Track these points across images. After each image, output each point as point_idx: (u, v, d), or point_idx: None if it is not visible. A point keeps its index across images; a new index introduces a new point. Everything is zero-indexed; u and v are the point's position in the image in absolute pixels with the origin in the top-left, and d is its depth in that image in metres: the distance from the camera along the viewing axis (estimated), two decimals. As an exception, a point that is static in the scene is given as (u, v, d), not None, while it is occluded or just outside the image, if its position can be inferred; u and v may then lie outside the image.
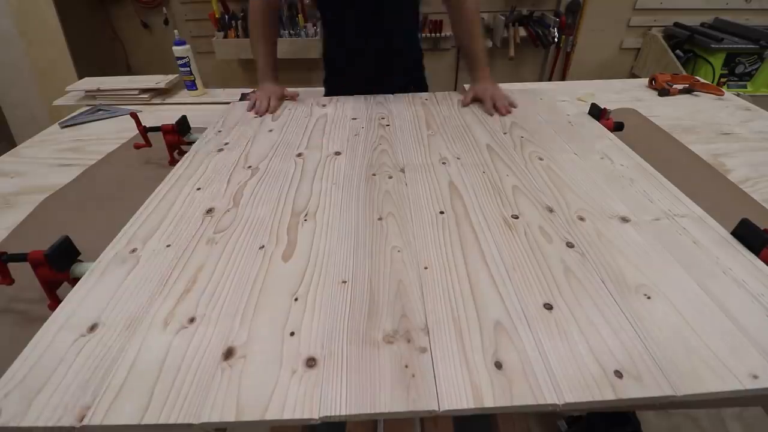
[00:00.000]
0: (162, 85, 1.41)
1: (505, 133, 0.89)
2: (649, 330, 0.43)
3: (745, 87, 2.17)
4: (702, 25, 2.37)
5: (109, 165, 0.98)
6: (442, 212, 0.63)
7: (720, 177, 0.86)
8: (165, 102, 1.37)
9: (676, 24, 2.42)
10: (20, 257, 0.54)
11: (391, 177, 0.73)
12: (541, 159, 0.78)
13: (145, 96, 1.38)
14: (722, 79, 2.13)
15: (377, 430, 0.76)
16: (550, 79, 2.68)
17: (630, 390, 0.37)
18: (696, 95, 1.31)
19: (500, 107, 0.99)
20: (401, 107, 1.04)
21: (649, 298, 0.47)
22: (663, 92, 1.31)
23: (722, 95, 1.30)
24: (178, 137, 0.94)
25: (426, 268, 0.52)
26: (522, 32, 2.43)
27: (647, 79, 1.40)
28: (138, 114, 0.94)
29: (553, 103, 1.05)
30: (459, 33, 1.13)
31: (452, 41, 2.62)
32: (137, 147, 0.95)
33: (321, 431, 0.42)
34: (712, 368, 0.39)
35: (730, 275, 0.50)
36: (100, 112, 1.29)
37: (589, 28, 2.50)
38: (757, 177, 0.87)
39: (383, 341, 0.42)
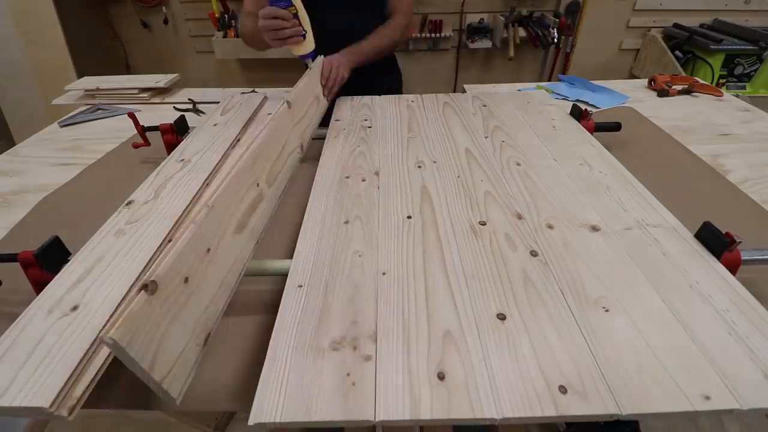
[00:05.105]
0: (161, 85, 1.41)
1: (486, 137, 0.88)
2: (603, 344, 0.42)
3: (744, 88, 2.14)
4: (701, 26, 2.35)
5: (108, 164, 0.98)
6: (409, 217, 0.62)
7: (719, 178, 0.85)
8: (164, 101, 1.38)
9: (675, 25, 2.39)
10: (10, 257, 0.55)
11: (364, 180, 0.73)
12: (518, 164, 0.77)
13: (145, 95, 1.38)
14: (721, 80, 2.10)
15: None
16: (549, 80, 2.66)
17: (572, 407, 0.36)
18: (695, 96, 1.29)
19: (324, 76, 1.01)
20: (386, 109, 1.03)
21: (607, 311, 0.46)
22: (662, 93, 1.29)
23: (721, 96, 1.28)
24: (176, 137, 0.94)
25: (384, 273, 0.51)
26: (521, 33, 2.41)
27: (646, 80, 1.38)
28: (137, 113, 0.94)
29: (539, 105, 1.04)
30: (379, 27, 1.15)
31: (452, 41, 2.61)
32: (135, 146, 0.95)
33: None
34: (663, 387, 0.38)
35: (696, 289, 0.49)
36: (99, 112, 1.29)
37: (588, 29, 2.48)
38: (756, 178, 0.86)
39: (329, 348, 0.42)
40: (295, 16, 0.92)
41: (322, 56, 1.03)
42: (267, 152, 0.66)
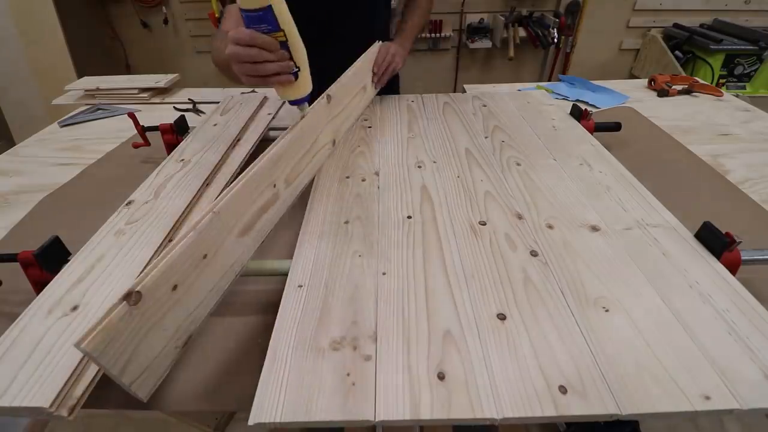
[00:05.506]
0: (161, 85, 1.41)
1: (486, 137, 0.88)
2: (602, 344, 0.42)
3: (744, 88, 2.15)
4: (701, 26, 2.35)
5: (108, 164, 0.98)
6: (409, 217, 0.62)
7: (719, 178, 0.85)
8: (164, 101, 1.38)
9: (675, 25, 2.39)
10: (10, 257, 0.55)
11: (364, 180, 0.73)
12: (518, 164, 0.77)
13: (145, 95, 1.38)
14: (721, 80, 2.11)
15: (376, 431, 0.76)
16: (549, 80, 2.66)
17: (572, 407, 0.36)
18: (695, 96, 1.29)
19: (378, 63, 0.95)
20: (386, 109, 1.03)
21: (607, 311, 0.46)
22: (662, 93, 1.29)
23: (721, 96, 1.28)
24: (176, 137, 0.94)
25: (384, 273, 0.51)
26: (521, 33, 2.42)
27: (646, 80, 1.38)
28: (137, 113, 0.93)
29: (539, 105, 1.04)
30: (407, 10, 1.14)
31: (452, 41, 2.61)
32: (135, 146, 0.95)
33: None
34: (663, 387, 0.38)
35: (696, 289, 0.49)
36: (99, 112, 1.29)
37: (588, 29, 2.48)
38: (756, 178, 0.85)
39: (329, 348, 0.42)
40: (284, 45, 0.61)
41: (380, 41, 0.97)
42: (293, 150, 0.65)
